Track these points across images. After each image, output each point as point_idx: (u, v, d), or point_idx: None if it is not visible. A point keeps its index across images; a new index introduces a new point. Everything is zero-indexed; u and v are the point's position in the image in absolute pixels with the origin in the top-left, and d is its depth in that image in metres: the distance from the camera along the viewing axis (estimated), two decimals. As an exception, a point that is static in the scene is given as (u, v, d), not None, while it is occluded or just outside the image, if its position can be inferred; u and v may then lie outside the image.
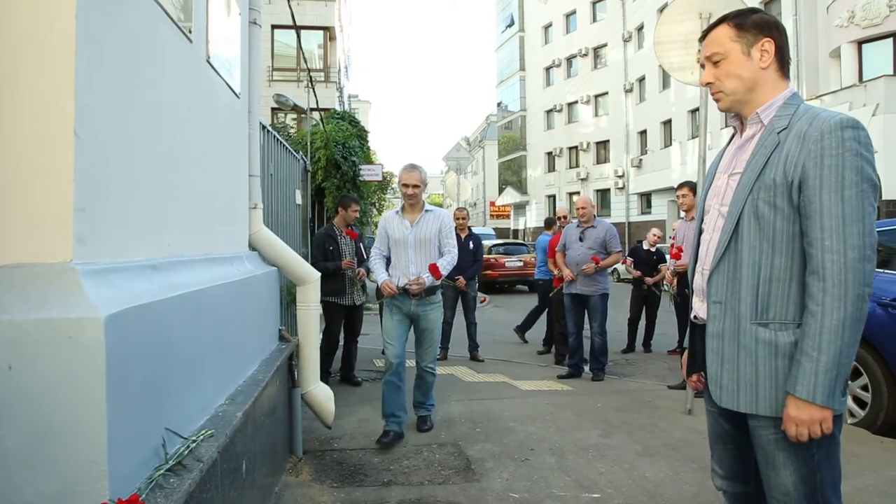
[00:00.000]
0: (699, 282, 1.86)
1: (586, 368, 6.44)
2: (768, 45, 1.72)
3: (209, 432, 2.07)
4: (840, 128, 1.56)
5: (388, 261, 4.46)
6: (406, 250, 4.30)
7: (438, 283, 4.41)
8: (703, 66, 1.84)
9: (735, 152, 1.81)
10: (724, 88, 1.76)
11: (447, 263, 4.34)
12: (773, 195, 1.63)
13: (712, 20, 5.79)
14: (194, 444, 1.92)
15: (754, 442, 1.74)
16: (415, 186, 4.38)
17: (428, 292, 4.35)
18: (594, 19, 33.60)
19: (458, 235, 7.51)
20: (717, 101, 1.81)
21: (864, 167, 1.56)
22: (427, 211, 4.42)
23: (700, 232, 1.91)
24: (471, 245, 7.49)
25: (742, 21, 1.74)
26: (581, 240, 6.32)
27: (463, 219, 7.64)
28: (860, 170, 1.55)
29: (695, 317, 1.90)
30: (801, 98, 1.74)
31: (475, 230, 8.19)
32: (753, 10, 1.80)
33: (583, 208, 6.38)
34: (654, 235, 8.36)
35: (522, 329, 8.79)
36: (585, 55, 33.84)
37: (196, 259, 2.41)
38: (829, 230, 1.55)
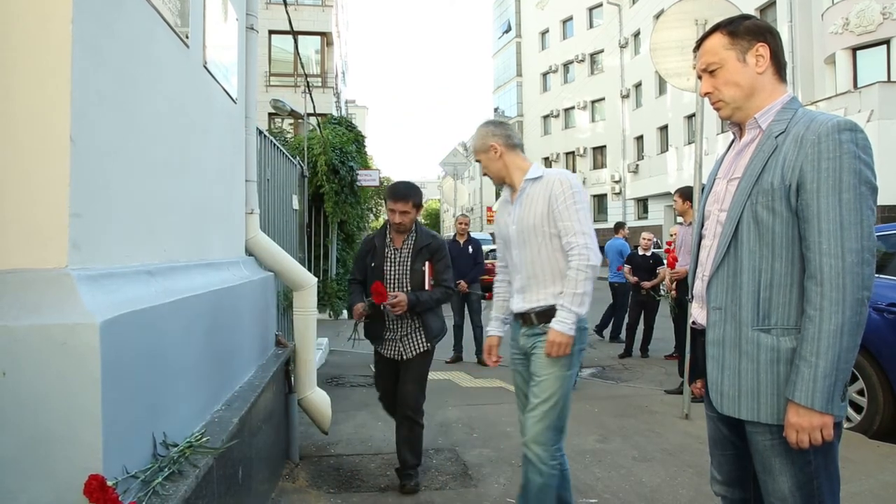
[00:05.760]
0: (699, 288, 1.84)
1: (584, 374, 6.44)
2: (763, 49, 1.71)
3: (205, 438, 2.07)
4: (837, 130, 1.55)
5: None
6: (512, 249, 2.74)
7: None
8: (700, 77, 1.82)
9: (734, 157, 1.80)
10: (723, 97, 1.75)
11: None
12: (772, 200, 1.62)
13: (708, 26, 5.78)
14: (190, 450, 1.91)
15: (751, 448, 1.72)
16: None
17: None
18: (591, 25, 33.72)
19: (457, 241, 7.63)
20: (717, 110, 1.79)
21: (862, 170, 1.54)
22: (533, 179, 2.67)
23: (700, 238, 1.89)
24: (470, 249, 7.57)
25: (735, 28, 1.73)
26: None
27: (466, 224, 7.89)
28: (858, 172, 1.53)
29: (693, 322, 1.89)
30: (799, 102, 1.73)
31: (473, 234, 8.33)
32: (745, 17, 1.80)
33: None
34: (646, 239, 8.37)
35: (600, 329, 9.43)
36: (582, 61, 33.96)
37: (192, 264, 2.41)
38: (827, 234, 1.53)
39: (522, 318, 2.69)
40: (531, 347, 2.64)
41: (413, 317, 3.52)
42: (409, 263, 3.53)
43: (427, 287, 3.51)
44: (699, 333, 1.86)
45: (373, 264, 3.54)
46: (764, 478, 1.70)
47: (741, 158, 1.76)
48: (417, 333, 3.56)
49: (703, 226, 1.89)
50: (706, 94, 1.79)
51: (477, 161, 2.79)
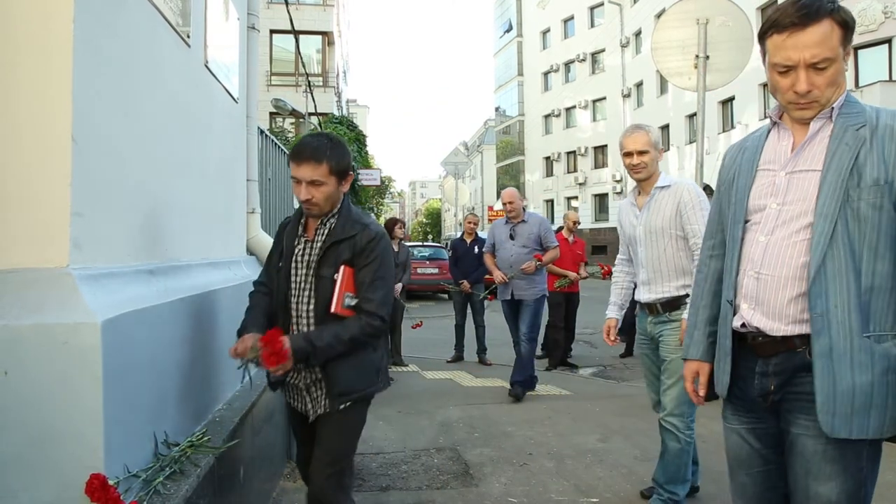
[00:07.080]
0: (752, 287, 1.66)
1: (578, 371, 6.42)
2: (849, 47, 1.57)
3: (206, 437, 2.07)
4: None
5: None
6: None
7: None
8: (783, 69, 1.57)
9: (798, 149, 1.63)
10: (820, 98, 1.56)
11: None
12: (880, 196, 1.50)
13: (710, 26, 5.56)
14: (191, 450, 1.91)
15: (795, 451, 1.60)
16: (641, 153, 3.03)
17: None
18: (592, 25, 33.71)
19: (464, 240, 7.61)
20: (802, 109, 1.59)
21: None
22: (662, 187, 3.08)
23: (743, 233, 1.71)
24: (476, 249, 7.55)
25: (848, 20, 1.53)
26: (512, 238, 5.61)
27: (475, 224, 7.84)
28: None
29: (742, 325, 1.68)
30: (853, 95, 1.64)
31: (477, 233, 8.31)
32: (837, 3, 1.57)
33: (510, 203, 5.60)
34: None
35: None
36: (583, 60, 33.94)
37: (193, 264, 2.41)
38: None
39: (648, 308, 3.03)
40: (658, 334, 3.00)
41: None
42: (314, 266, 2.12)
43: (336, 308, 2.05)
44: (744, 337, 1.69)
45: (280, 264, 2.21)
46: (807, 482, 1.58)
47: (808, 150, 1.61)
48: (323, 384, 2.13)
49: (746, 221, 1.71)
50: (807, 91, 1.55)
51: (643, 152, 3.00)
